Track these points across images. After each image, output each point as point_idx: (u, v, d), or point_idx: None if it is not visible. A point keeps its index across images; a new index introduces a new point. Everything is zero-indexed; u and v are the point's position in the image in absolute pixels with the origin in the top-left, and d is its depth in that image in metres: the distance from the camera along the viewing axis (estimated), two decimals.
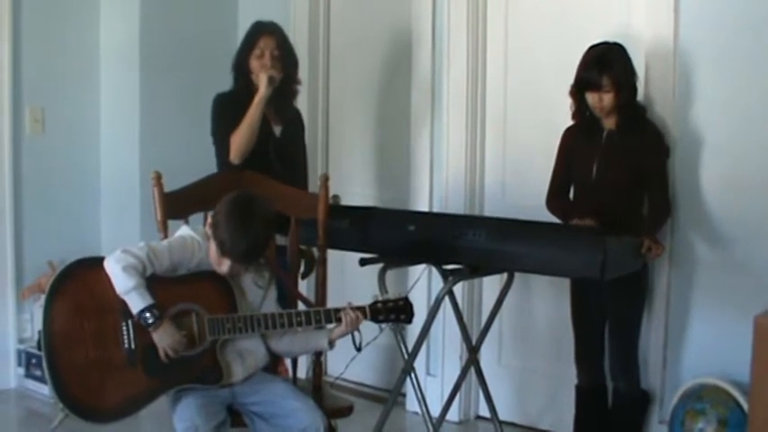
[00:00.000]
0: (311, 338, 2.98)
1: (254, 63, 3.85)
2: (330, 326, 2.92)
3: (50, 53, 4.90)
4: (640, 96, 3.61)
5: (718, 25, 3.62)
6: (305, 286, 3.79)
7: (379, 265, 3.46)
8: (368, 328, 2.95)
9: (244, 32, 3.97)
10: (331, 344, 2.95)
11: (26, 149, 4.83)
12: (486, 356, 4.07)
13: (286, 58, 3.90)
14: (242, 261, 2.79)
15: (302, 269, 3.76)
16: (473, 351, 3.73)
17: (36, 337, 4.73)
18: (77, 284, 2.75)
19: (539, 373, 4.29)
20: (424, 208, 4.51)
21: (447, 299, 3.53)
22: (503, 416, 3.92)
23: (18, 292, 4.81)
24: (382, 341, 3.27)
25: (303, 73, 4.04)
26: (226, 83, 3.95)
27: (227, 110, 3.81)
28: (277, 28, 3.93)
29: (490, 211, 4.33)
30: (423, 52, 4.54)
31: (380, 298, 2.97)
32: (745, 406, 3.34)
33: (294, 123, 4.05)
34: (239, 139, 3.73)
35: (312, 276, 3.64)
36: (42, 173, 4.90)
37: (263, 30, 3.89)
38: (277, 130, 3.92)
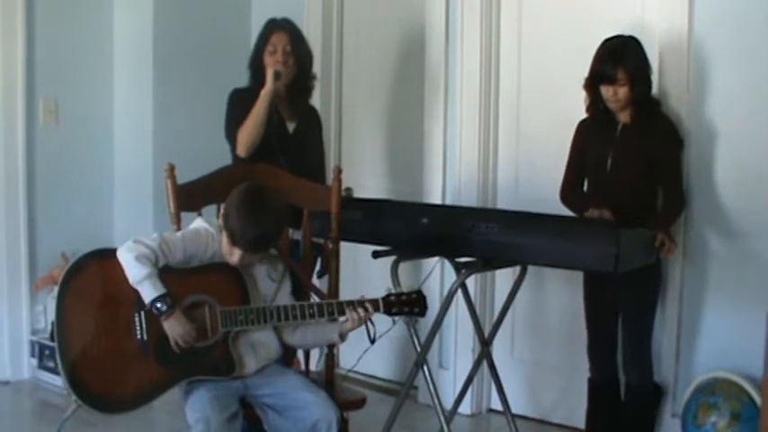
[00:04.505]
0: (323, 331, 2.98)
1: (267, 59, 3.83)
2: (342, 318, 2.93)
3: (64, 45, 4.91)
4: (655, 90, 3.59)
5: (732, 18, 3.60)
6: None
7: (392, 258, 3.45)
8: (381, 321, 2.95)
9: (257, 24, 3.97)
10: (342, 337, 2.95)
11: (39, 141, 4.85)
12: (498, 349, 4.07)
13: (299, 54, 3.89)
14: (251, 249, 2.80)
15: (318, 268, 3.77)
16: (485, 344, 3.73)
17: (49, 328, 4.75)
18: (90, 276, 2.76)
19: (551, 366, 4.29)
20: (436, 200, 4.50)
21: (460, 292, 3.53)
22: (515, 409, 3.91)
23: (31, 283, 4.83)
24: (395, 333, 3.27)
25: (316, 67, 4.02)
26: (238, 74, 3.95)
27: (239, 105, 3.80)
28: (290, 24, 3.92)
29: (503, 203, 4.32)
30: (436, 45, 4.53)
31: (394, 291, 2.97)
32: (758, 400, 3.33)
33: (310, 120, 4.02)
34: (244, 134, 3.73)
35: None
36: (55, 165, 4.91)
37: (275, 26, 3.88)
38: (290, 126, 3.90)
